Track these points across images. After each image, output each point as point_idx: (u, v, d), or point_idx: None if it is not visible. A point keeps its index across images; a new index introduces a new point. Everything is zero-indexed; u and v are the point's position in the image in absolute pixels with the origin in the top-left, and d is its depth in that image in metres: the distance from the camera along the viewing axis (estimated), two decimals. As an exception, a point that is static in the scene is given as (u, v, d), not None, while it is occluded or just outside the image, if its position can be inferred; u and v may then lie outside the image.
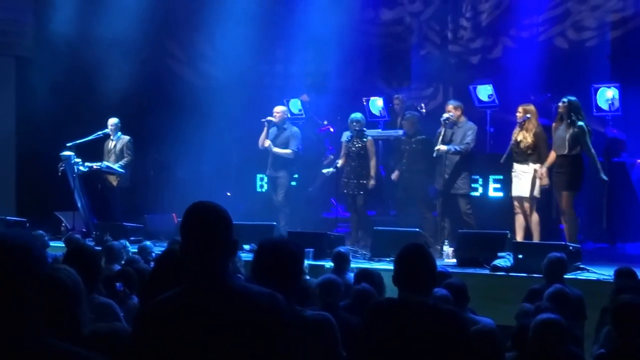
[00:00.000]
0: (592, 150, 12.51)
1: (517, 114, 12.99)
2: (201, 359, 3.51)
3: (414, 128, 14.55)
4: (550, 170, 12.74)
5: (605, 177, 12.73)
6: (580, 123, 12.43)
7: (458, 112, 13.76)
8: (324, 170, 15.00)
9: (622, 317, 6.11)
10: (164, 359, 3.54)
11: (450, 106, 13.88)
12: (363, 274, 8.43)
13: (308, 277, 9.45)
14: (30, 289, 2.79)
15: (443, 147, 13.52)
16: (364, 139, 14.49)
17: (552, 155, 12.72)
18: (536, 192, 12.86)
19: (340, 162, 14.63)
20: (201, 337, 3.50)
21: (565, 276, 10.55)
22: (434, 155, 13.66)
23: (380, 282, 8.24)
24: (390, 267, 10.82)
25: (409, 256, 5.08)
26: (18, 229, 11.89)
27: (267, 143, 15.13)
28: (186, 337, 3.51)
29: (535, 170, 12.80)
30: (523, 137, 12.85)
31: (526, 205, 12.89)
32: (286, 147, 15.13)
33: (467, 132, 13.65)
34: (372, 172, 14.44)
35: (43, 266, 2.85)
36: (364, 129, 14.66)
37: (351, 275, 9.51)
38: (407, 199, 14.65)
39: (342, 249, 10.50)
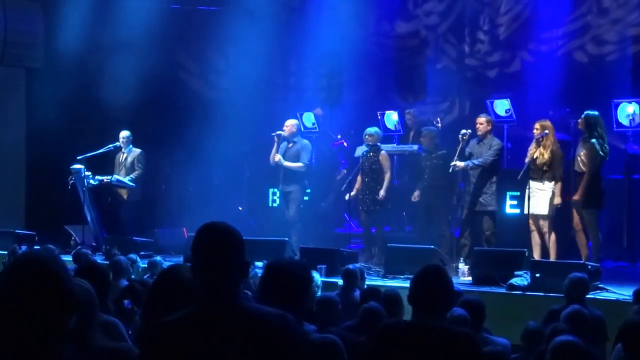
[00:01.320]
0: (593, 170, 12.24)
1: (535, 131, 12.76)
2: None
3: (432, 143, 14.28)
4: (569, 188, 12.52)
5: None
6: (593, 140, 12.21)
7: (489, 127, 13.57)
8: (347, 197, 14.69)
9: (632, 337, 5.97)
10: None
11: (482, 119, 13.66)
12: (370, 292, 8.21)
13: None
14: (58, 306, 2.96)
15: (460, 163, 13.30)
16: (379, 154, 14.26)
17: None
18: (550, 211, 12.60)
19: (357, 184, 14.38)
20: (211, 358, 3.49)
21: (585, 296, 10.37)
22: (450, 171, 13.41)
23: (391, 301, 7.99)
24: (404, 284, 10.70)
25: (425, 278, 4.99)
26: (44, 247, 11.81)
27: (277, 157, 14.93)
28: (196, 358, 3.50)
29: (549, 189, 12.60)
30: (540, 154, 12.64)
31: (542, 223, 12.66)
32: (297, 161, 14.91)
33: (491, 148, 13.40)
34: (385, 184, 14.17)
35: (67, 282, 3.04)
36: (378, 143, 14.41)
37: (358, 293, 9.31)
38: (428, 215, 14.36)
39: (350, 266, 10.29)
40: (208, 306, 3.61)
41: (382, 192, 14.17)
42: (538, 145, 12.70)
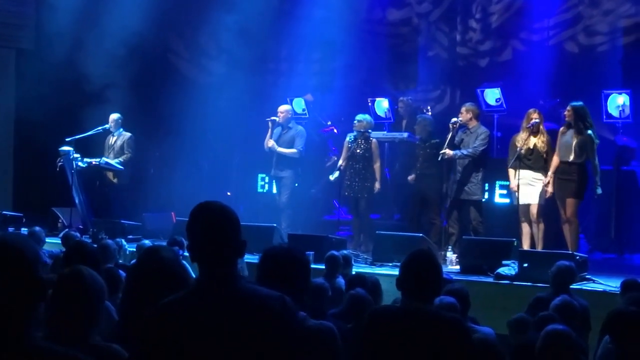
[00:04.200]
0: (596, 162, 12.24)
1: (535, 120, 12.62)
2: None
3: (425, 132, 14.18)
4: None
5: (599, 192, 12.40)
6: (589, 132, 12.19)
7: (468, 116, 13.46)
8: (331, 177, 14.67)
9: (616, 326, 6.00)
10: None
11: (462, 108, 13.60)
12: (357, 279, 8.18)
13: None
14: (24, 291, 2.92)
15: (449, 152, 13.25)
16: (369, 141, 14.22)
17: (555, 161, 12.46)
18: (541, 201, 12.60)
19: (341, 163, 14.34)
20: (210, 338, 3.49)
21: (571, 286, 10.37)
22: (439, 159, 13.37)
23: (375, 288, 8.00)
24: (392, 272, 10.71)
25: (415, 262, 5.00)
26: (15, 232, 11.75)
27: (271, 143, 14.89)
28: (196, 338, 3.49)
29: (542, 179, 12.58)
30: (541, 142, 12.58)
31: (534, 213, 12.62)
32: (291, 147, 14.88)
33: (479, 137, 13.34)
34: (377, 174, 14.19)
35: (36, 269, 2.98)
36: (369, 130, 14.37)
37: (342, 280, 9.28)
38: (420, 204, 14.33)
39: (334, 252, 10.23)
40: (205, 287, 3.60)
41: (377, 185, 14.16)
42: (533, 133, 12.64)
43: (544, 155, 12.61)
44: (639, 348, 5.86)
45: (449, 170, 13.78)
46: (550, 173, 12.50)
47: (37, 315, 2.99)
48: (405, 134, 15.32)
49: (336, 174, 14.42)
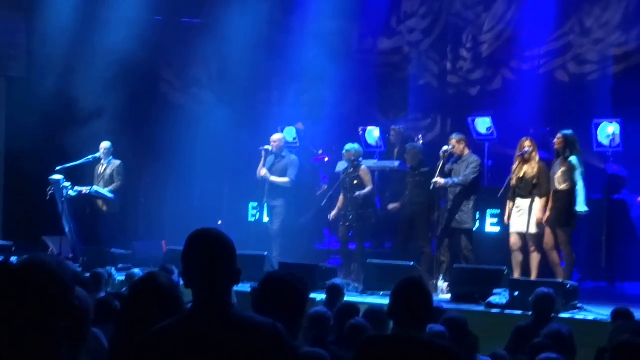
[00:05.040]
0: (579, 184, 12.22)
1: (527, 148, 12.64)
2: None
3: (416, 160, 14.19)
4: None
5: (580, 209, 12.35)
6: (572, 158, 12.22)
7: (461, 146, 13.49)
8: (330, 217, 14.63)
9: (622, 357, 5.92)
10: None
11: (452, 140, 13.61)
12: (348, 308, 8.13)
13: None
14: (59, 313, 2.91)
15: (441, 180, 13.25)
16: (358, 169, 14.22)
17: (550, 191, 12.49)
18: (533, 229, 12.57)
19: (339, 203, 14.35)
20: None
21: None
22: (431, 188, 13.38)
23: (379, 318, 7.95)
24: (383, 300, 10.66)
25: (405, 289, 4.99)
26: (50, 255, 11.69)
27: (264, 172, 14.88)
28: None
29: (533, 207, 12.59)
30: (530, 168, 12.59)
31: (530, 241, 12.60)
32: (284, 175, 14.87)
33: (469, 165, 13.35)
34: (364, 192, 14.10)
35: (71, 291, 3.00)
36: (360, 158, 14.38)
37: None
38: (409, 232, 14.31)
39: (337, 281, 10.22)
40: (200, 313, 3.61)
41: (358, 192, 14.07)
42: (524, 161, 12.66)
43: (533, 181, 12.60)
44: None
45: (440, 198, 13.78)
46: (542, 201, 12.53)
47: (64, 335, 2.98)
48: (397, 163, 15.33)
49: (335, 212, 14.43)
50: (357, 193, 14.08)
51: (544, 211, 12.53)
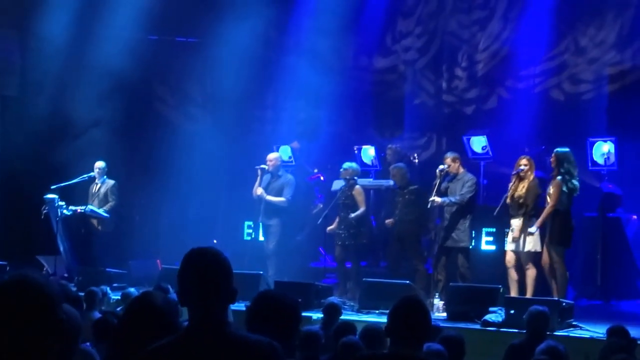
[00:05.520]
0: (556, 206, 12.21)
1: (524, 167, 12.65)
2: None
3: (404, 179, 14.28)
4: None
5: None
6: (559, 177, 12.22)
7: (456, 164, 13.52)
8: (328, 229, 14.64)
9: None
10: None
11: (447, 159, 13.63)
12: (344, 327, 8.11)
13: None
14: (45, 328, 2.85)
15: (437, 199, 13.27)
16: (352, 188, 14.23)
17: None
18: (528, 247, 12.56)
19: (335, 223, 14.38)
20: None
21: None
22: (428, 206, 13.40)
23: (374, 335, 7.92)
24: (379, 319, 10.65)
25: (404, 308, 4.93)
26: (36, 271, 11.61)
27: (260, 191, 14.87)
28: None
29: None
30: (521, 187, 12.60)
31: (524, 260, 12.59)
32: (280, 195, 14.86)
33: (465, 184, 13.37)
34: (358, 213, 14.10)
35: (58, 310, 2.93)
36: (355, 177, 14.40)
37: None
38: (401, 251, 14.33)
39: (334, 300, 10.20)
40: (196, 332, 3.59)
41: (352, 215, 14.10)
42: (519, 180, 12.67)
43: (520, 201, 12.59)
44: None
45: (434, 216, 13.80)
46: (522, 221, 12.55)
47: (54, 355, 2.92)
48: (392, 182, 15.33)
49: (333, 226, 14.44)
50: (351, 215, 14.09)
51: (521, 229, 12.51)
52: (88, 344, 6.11)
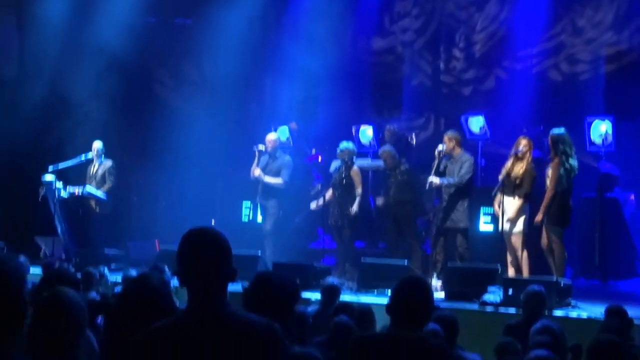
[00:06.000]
0: (556, 188, 12.22)
1: (523, 147, 12.64)
2: None
3: (393, 161, 14.31)
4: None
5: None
6: (556, 159, 12.25)
7: (452, 144, 13.48)
8: (312, 205, 14.68)
9: (598, 354, 5.98)
10: None
11: (445, 137, 13.62)
12: (343, 307, 8.12)
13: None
14: (6, 314, 2.83)
15: (435, 180, 13.26)
16: (350, 169, 14.22)
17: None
18: (520, 227, 12.57)
19: (328, 194, 14.37)
20: None
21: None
22: (427, 187, 13.41)
23: (366, 317, 7.95)
24: (377, 300, 10.68)
25: (407, 288, 4.94)
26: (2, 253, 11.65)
27: (257, 172, 14.86)
28: None
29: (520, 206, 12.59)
30: (520, 168, 12.60)
31: (515, 240, 12.61)
32: (277, 176, 14.85)
33: (463, 165, 13.36)
34: (356, 201, 14.13)
35: (21, 291, 2.91)
36: (354, 158, 14.40)
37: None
38: (398, 232, 14.36)
39: (334, 280, 10.21)
40: (196, 313, 3.59)
41: (353, 208, 14.12)
42: (517, 160, 12.66)
43: (516, 181, 12.59)
44: None
45: (434, 198, 13.82)
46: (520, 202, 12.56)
47: (19, 339, 2.92)
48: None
49: (319, 201, 14.43)
50: (351, 209, 14.07)
51: (518, 210, 12.53)
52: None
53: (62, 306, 4.05)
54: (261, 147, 14.98)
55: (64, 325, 4.01)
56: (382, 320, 7.75)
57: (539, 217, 12.33)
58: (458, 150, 13.53)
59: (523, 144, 12.69)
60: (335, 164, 14.67)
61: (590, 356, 6.10)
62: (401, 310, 4.85)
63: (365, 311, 8.14)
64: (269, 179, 14.86)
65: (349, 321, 7.30)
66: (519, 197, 12.59)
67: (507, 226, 12.64)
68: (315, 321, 8.57)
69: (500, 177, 12.61)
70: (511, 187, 12.61)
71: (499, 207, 12.63)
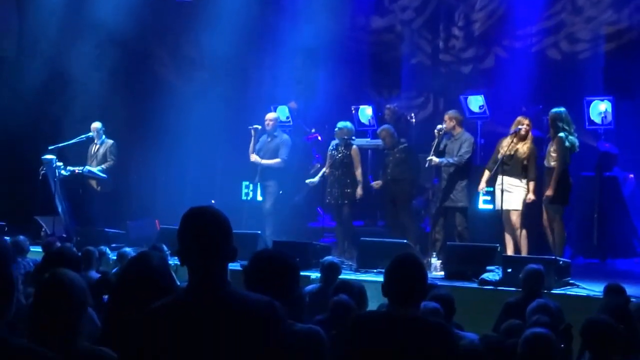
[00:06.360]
0: (563, 162, 12.24)
1: (525, 126, 12.65)
2: None
3: (392, 139, 14.33)
4: (541, 185, 12.56)
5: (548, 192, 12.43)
6: (561, 134, 12.25)
7: (452, 123, 13.49)
8: (308, 181, 14.72)
9: (591, 335, 6.02)
10: None
11: (445, 115, 13.65)
12: (343, 286, 8.16)
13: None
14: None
15: (435, 159, 13.27)
16: (349, 148, 14.24)
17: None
18: (519, 206, 12.61)
19: (325, 171, 14.38)
20: (200, 342, 3.50)
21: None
22: (426, 166, 13.43)
23: (360, 295, 8.00)
24: (377, 279, 10.71)
25: (400, 267, 4.91)
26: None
27: (254, 158, 14.88)
28: (186, 342, 3.51)
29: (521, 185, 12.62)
30: (525, 147, 12.61)
31: (513, 219, 12.64)
32: (275, 155, 14.87)
33: (463, 144, 13.37)
34: (359, 182, 14.17)
35: (7, 266, 2.89)
36: (353, 137, 14.42)
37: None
38: (395, 210, 14.40)
39: (334, 259, 10.25)
40: (196, 292, 3.60)
41: (358, 191, 14.16)
42: (520, 139, 12.67)
43: (524, 162, 12.62)
44: (607, 356, 5.89)
45: (433, 177, 13.85)
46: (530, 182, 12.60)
47: (7, 316, 2.92)
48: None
49: (316, 178, 14.46)
50: (357, 191, 14.10)
51: (534, 191, 12.58)
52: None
53: (63, 287, 4.05)
54: (257, 126, 14.99)
55: (64, 305, 4.01)
56: (376, 298, 7.84)
57: (549, 192, 12.35)
58: (459, 130, 13.55)
59: (526, 123, 12.71)
60: (333, 144, 14.68)
61: (583, 336, 6.14)
62: (395, 289, 4.85)
63: (359, 289, 8.19)
64: (267, 162, 14.87)
65: (349, 300, 7.33)
66: (525, 177, 12.62)
67: (507, 205, 12.67)
68: (316, 299, 8.63)
69: (500, 156, 12.64)
70: (519, 166, 12.62)
71: (495, 186, 12.69)
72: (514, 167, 12.66)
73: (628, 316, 6.99)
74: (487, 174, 12.87)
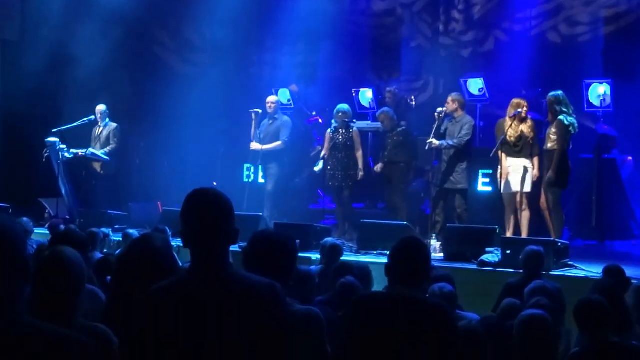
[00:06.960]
0: (564, 145, 12.33)
1: (524, 109, 12.72)
2: (199, 346, 3.53)
3: (391, 122, 14.44)
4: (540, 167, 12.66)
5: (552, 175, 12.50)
6: (561, 117, 12.31)
7: (455, 105, 13.54)
8: (316, 169, 14.75)
9: (582, 315, 6.09)
10: (163, 346, 3.55)
11: (448, 97, 13.71)
12: (344, 267, 8.24)
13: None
14: (10, 271, 2.82)
15: (435, 142, 13.31)
16: (350, 130, 14.31)
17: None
18: (528, 188, 12.71)
19: (324, 153, 14.45)
20: (201, 324, 3.52)
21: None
22: (426, 148, 13.50)
23: (364, 275, 8.08)
24: (377, 260, 10.81)
25: (404, 249, 4.95)
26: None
27: (255, 146, 14.93)
28: (187, 323, 3.53)
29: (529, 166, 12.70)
30: (528, 128, 12.69)
31: (519, 200, 12.72)
32: (277, 138, 14.93)
33: (463, 127, 13.45)
34: (360, 163, 14.27)
35: (23, 249, 2.88)
36: (354, 120, 14.50)
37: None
38: (390, 190, 14.51)
39: (336, 240, 10.32)
40: (198, 273, 3.63)
41: (360, 173, 14.24)
42: (521, 121, 12.75)
43: (531, 142, 12.72)
44: (601, 336, 5.97)
45: (433, 159, 13.93)
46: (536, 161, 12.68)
47: (23, 296, 2.93)
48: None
49: (320, 164, 14.51)
50: (359, 173, 14.18)
51: (539, 167, 12.68)
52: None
53: (62, 265, 4.10)
54: (257, 110, 15.06)
55: (63, 283, 4.06)
56: (377, 280, 7.93)
57: (550, 174, 12.43)
58: (460, 113, 13.61)
59: (525, 105, 12.78)
60: (332, 126, 14.74)
61: (576, 316, 6.22)
62: (399, 270, 4.88)
63: (364, 271, 8.26)
64: (268, 147, 14.93)
65: (355, 281, 7.40)
66: (533, 156, 12.70)
67: (516, 187, 12.74)
68: (318, 280, 8.71)
69: (512, 139, 12.69)
70: (527, 147, 12.68)
71: (503, 168, 12.77)
72: (524, 148, 12.71)
73: (619, 297, 7.07)
74: (504, 157, 12.88)
